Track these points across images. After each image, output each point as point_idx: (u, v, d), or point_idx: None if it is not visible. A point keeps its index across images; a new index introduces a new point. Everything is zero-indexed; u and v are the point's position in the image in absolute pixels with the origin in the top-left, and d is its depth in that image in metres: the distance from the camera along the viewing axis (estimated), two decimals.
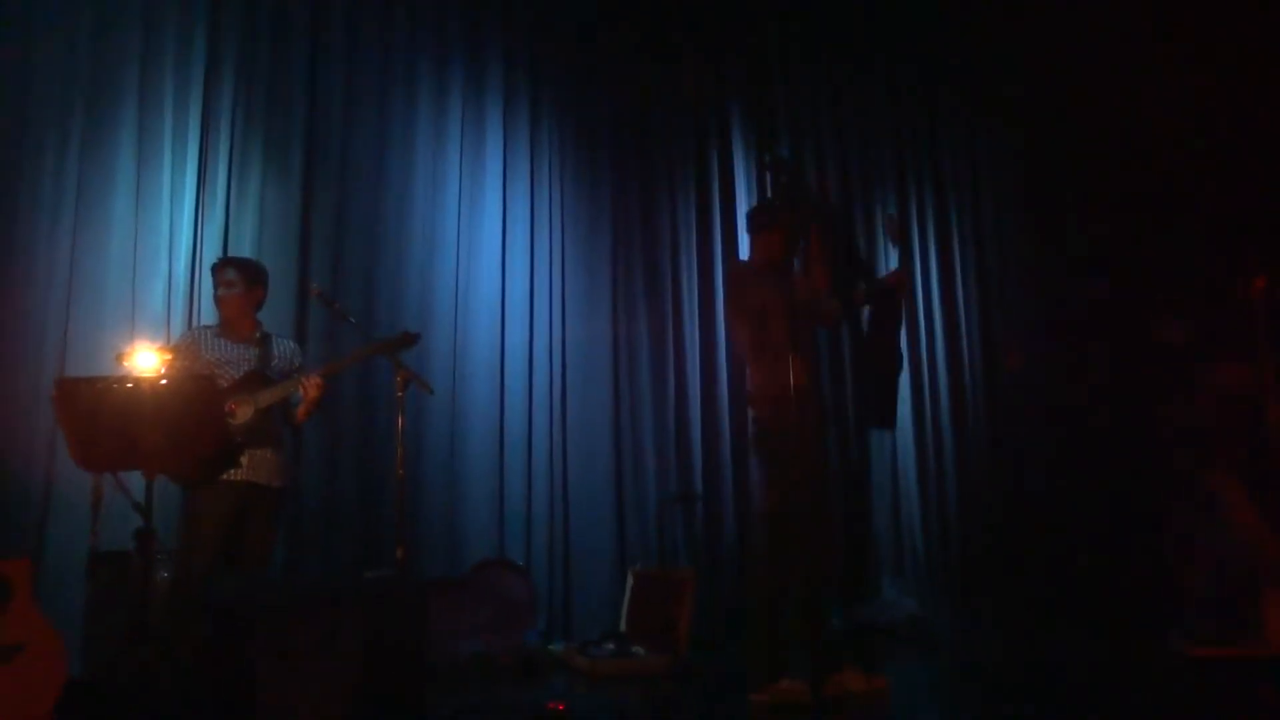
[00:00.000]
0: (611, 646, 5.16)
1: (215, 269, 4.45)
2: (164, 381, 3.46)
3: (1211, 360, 5.17)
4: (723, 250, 6.86)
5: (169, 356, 4.15)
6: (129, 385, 3.22)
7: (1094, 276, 7.11)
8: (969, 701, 4.42)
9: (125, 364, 4.06)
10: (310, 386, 4.20)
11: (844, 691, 3.95)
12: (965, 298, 7.66)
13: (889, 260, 7.32)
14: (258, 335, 4.39)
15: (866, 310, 4.48)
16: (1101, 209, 7.21)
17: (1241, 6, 6.35)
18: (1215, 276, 5.83)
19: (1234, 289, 4.83)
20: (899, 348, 4.42)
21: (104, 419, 3.13)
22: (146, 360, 4.07)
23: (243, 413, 4.15)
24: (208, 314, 4.92)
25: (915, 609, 6.45)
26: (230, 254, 5.02)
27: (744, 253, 6.82)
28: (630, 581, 5.66)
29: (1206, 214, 6.61)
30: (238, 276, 4.37)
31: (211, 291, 4.46)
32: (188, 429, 3.25)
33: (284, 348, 4.45)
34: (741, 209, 6.96)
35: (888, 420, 4.46)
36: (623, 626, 5.49)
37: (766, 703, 3.96)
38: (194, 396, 3.33)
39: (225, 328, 4.35)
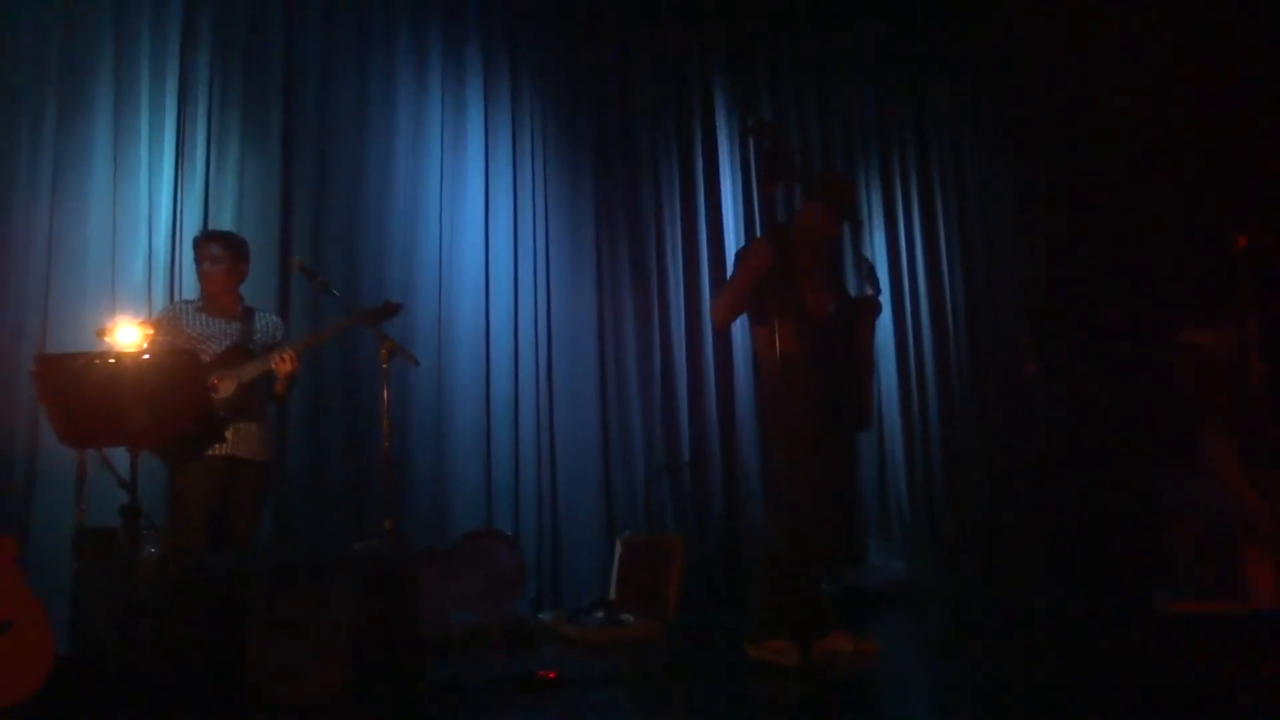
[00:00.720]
0: (601, 614, 5.17)
1: (199, 243, 4.39)
2: (146, 356, 3.43)
3: (1198, 321, 5.19)
4: (706, 221, 6.84)
5: (150, 331, 4.12)
6: (110, 361, 3.19)
7: (1080, 243, 7.13)
8: (958, 663, 4.45)
9: (106, 339, 4.02)
10: (284, 360, 4.16)
11: (833, 655, 3.97)
12: (949, 262, 7.67)
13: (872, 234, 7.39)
14: (240, 309, 4.36)
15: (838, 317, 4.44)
16: (1086, 172, 7.21)
17: None
18: (1200, 236, 5.85)
19: (1218, 248, 4.84)
20: (872, 355, 4.45)
21: (86, 395, 3.11)
22: (128, 335, 4.04)
23: (226, 387, 4.12)
24: (189, 288, 4.88)
25: (903, 572, 6.49)
26: (211, 227, 4.99)
27: (728, 224, 6.87)
28: (619, 549, 5.67)
29: (1190, 175, 6.62)
30: (223, 252, 4.32)
31: (194, 265, 4.42)
32: (171, 404, 3.23)
33: (266, 322, 4.42)
34: (725, 181, 6.95)
35: (866, 423, 4.51)
36: (612, 594, 5.51)
37: (757, 657, 3.98)
38: (176, 371, 3.30)
39: (208, 302, 4.32)
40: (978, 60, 7.73)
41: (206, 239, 4.40)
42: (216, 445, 4.08)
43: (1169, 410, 5.22)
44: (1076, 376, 6.90)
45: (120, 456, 3.29)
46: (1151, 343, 5.58)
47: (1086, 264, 7.11)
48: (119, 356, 3.29)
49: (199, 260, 4.33)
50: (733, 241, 6.85)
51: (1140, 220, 6.84)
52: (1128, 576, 5.52)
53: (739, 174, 7.02)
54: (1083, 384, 6.83)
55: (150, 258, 5.08)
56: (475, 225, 6.09)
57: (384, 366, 4.33)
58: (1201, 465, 4.89)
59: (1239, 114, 6.52)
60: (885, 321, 7.22)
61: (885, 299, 7.29)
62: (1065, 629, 4.95)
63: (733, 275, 4.25)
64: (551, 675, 3.94)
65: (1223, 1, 6.47)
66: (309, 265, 4.78)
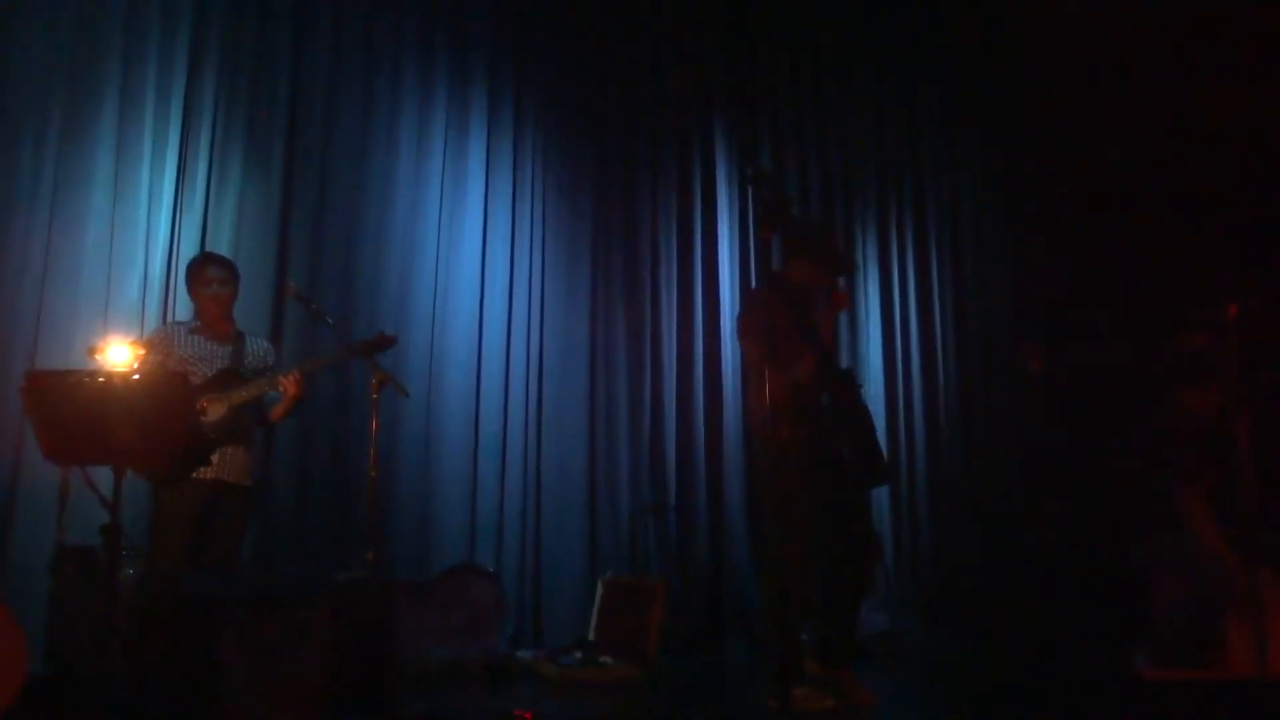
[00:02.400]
0: (580, 655, 5.14)
1: (200, 265, 4.37)
2: (136, 377, 3.43)
3: (1185, 384, 5.21)
4: (702, 262, 6.88)
5: (142, 352, 4.11)
6: (100, 380, 3.18)
7: (1072, 296, 7.17)
8: (938, 718, 4.42)
9: (97, 358, 4.02)
10: (290, 383, 4.16)
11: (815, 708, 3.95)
12: (942, 315, 7.70)
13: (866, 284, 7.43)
14: (232, 333, 4.36)
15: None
16: (1082, 228, 7.26)
17: (1226, 23, 6.44)
18: (1193, 301, 5.88)
19: (1209, 314, 4.87)
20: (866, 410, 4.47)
21: (74, 413, 3.10)
22: (119, 355, 4.03)
23: (215, 410, 4.11)
24: (183, 310, 4.88)
25: (886, 625, 6.46)
26: (208, 250, 5.00)
27: (723, 266, 6.91)
28: (600, 590, 5.64)
29: (1185, 238, 6.67)
30: (228, 275, 4.33)
31: (186, 287, 4.41)
32: (159, 425, 3.22)
33: (257, 346, 4.42)
34: (722, 220, 7.00)
35: (886, 475, 4.50)
36: (592, 635, 5.47)
37: (778, 709, 3.95)
38: (166, 393, 3.29)
39: (204, 325, 4.31)
40: (977, 108, 7.81)
41: (208, 261, 4.40)
42: (202, 468, 4.07)
43: (1155, 472, 5.23)
44: (1065, 432, 6.91)
45: (104, 475, 3.28)
46: (1140, 402, 5.59)
47: (1078, 320, 7.14)
48: (109, 375, 3.29)
49: (201, 283, 4.31)
50: (728, 282, 6.90)
51: (1133, 280, 6.88)
52: (1109, 638, 5.50)
53: (735, 216, 7.07)
54: (1071, 441, 6.84)
55: (146, 279, 5.09)
56: (472, 258, 6.11)
57: (374, 397, 4.33)
58: (1184, 529, 4.89)
59: (1234, 180, 6.58)
60: (875, 372, 7.26)
61: (876, 349, 7.35)
62: (1042, 691, 4.93)
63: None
64: (528, 715, 3.92)
65: (1224, 58, 6.54)
66: (304, 292, 4.78)
